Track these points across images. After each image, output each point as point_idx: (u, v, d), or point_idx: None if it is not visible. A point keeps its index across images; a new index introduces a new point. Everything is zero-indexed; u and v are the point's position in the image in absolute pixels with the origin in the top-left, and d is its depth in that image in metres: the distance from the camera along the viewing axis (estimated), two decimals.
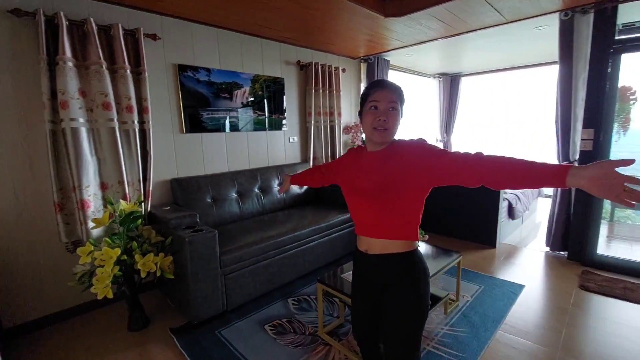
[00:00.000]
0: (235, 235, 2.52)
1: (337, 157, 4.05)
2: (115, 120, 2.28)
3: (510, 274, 2.81)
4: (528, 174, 0.84)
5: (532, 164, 0.84)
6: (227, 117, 3.09)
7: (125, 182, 2.34)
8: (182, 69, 2.74)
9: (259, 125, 3.37)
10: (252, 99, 3.26)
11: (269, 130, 3.48)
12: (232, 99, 3.11)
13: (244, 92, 3.20)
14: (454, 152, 0.99)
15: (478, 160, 0.93)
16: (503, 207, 3.45)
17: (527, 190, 4.23)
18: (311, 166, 3.83)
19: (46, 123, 2.05)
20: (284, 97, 3.57)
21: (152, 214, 2.48)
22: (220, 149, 3.08)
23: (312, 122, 3.79)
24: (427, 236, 2.09)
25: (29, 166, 2.10)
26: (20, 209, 2.09)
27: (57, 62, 2.05)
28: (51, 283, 2.21)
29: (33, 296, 2.16)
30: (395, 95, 1.12)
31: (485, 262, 3.07)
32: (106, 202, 2.14)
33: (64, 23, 2.05)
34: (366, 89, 1.16)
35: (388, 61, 4.47)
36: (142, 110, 2.45)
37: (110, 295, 1.89)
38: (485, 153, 0.95)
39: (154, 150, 2.61)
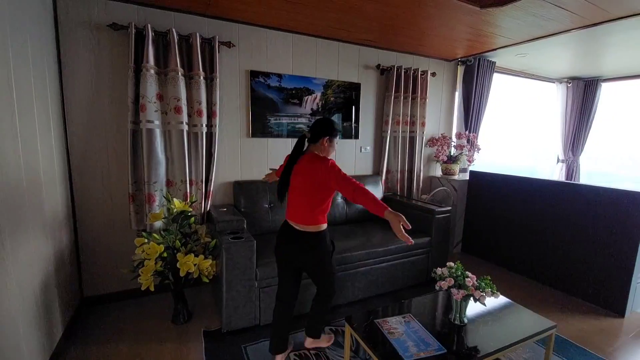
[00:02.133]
0: None
1: (415, 171, 3.60)
2: (185, 123, 2.43)
3: None
4: (372, 207, 1.53)
5: (375, 200, 1.53)
6: (295, 123, 3.02)
7: (188, 181, 2.49)
8: (254, 74, 2.78)
9: None
10: (322, 105, 3.12)
11: (340, 138, 3.28)
12: (301, 104, 3.03)
13: (315, 98, 3.09)
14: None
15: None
16: None
17: None
18: (383, 180, 3.48)
19: (128, 123, 2.32)
20: (360, 103, 3.33)
21: (209, 213, 2.58)
22: (285, 154, 3.03)
23: (389, 131, 3.44)
24: (498, 293, 1.56)
25: (115, 160, 2.41)
26: (106, 195, 2.41)
27: (142, 69, 2.29)
28: (123, 264, 2.49)
29: (108, 273, 2.47)
30: None
31: (602, 336, 2.21)
32: (165, 198, 2.29)
33: (150, 34, 2.27)
34: (335, 130, 1.77)
35: (493, 63, 3.76)
36: (211, 114, 2.57)
37: (152, 288, 2.00)
38: None
39: (220, 153, 2.73)
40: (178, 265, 1.99)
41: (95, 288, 2.46)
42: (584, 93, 4.64)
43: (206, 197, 2.62)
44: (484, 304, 1.55)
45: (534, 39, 2.97)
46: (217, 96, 2.56)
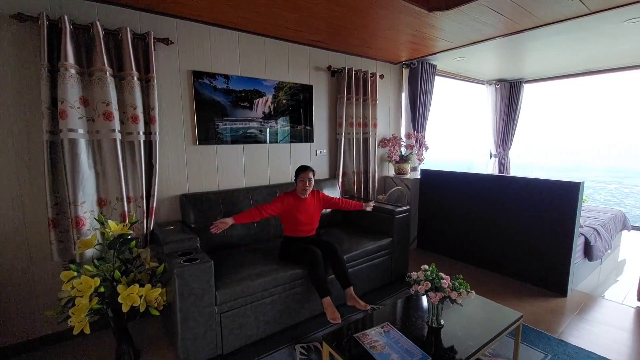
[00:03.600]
0: (241, 263, 2.20)
1: (370, 172, 3.61)
2: (117, 131, 2.10)
3: (588, 338, 2.14)
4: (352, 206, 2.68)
5: (352, 203, 2.69)
6: (246, 128, 2.82)
7: (125, 198, 2.15)
8: (197, 75, 2.52)
9: (282, 137, 3.06)
10: (274, 107, 2.97)
11: (294, 142, 3.15)
12: (252, 108, 2.84)
13: (266, 101, 2.92)
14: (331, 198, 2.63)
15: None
16: (578, 244, 2.74)
17: (609, 223, 3.39)
18: (340, 182, 3.43)
19: (44, 133, 1.91)
20: (312, 106, 3.23)
21: (154, 233, 2.26)
22: (237, 162, 2.82)
23: (343, 133, 3.40)
24: (473, 292, 1.57)
25: (27, 179, 1.98)
26: (17, 224, 1.97)
27: (59, 68, 1.91)
28: (45, 304, 2.06)
29: (29, 316, 2.02)
30: (311, 173, 2.42)
31: (552, 317, 2.40)
32: (98, 221, 1.94)
33: (68, 27, 1.91)
34: (296, 171, 2.44)
35: (434, 66, 3.95)
36: (149, 120, 2.25)
37: (88, 330, 1.66)
38: None
39: (163, 163, 2.42)
40: (119, 299, 1.67)
41: (13, 335, 1.99)
42: (509, 93, 5.14)
43: (148, 215, 2.29)
44: (461, 305, 1.54)
45: (471, 43, 3.16)
46: (156, 100, 2.25)
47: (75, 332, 1.63)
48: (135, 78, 2.16)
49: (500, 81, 5.07)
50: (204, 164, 2.65)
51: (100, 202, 2.13)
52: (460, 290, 1.53)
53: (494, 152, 5.43)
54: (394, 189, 3.65)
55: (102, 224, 1.87)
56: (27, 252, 2.00)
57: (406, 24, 2.65)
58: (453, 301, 1.52)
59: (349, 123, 3.44)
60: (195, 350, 1.84)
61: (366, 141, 3.62)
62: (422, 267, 1.63)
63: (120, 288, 1.70)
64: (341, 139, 3.40)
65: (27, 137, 1.96)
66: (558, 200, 2.66)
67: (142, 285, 1.77)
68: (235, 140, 2.77)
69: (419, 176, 3.80)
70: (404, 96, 4.06)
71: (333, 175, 3.50)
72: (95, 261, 1.78)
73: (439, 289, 1.52)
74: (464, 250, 3.40)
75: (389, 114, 3.98)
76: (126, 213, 2.16)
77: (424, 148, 3.93)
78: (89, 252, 2.01)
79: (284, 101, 3.03)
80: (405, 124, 4.13)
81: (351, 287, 2.30)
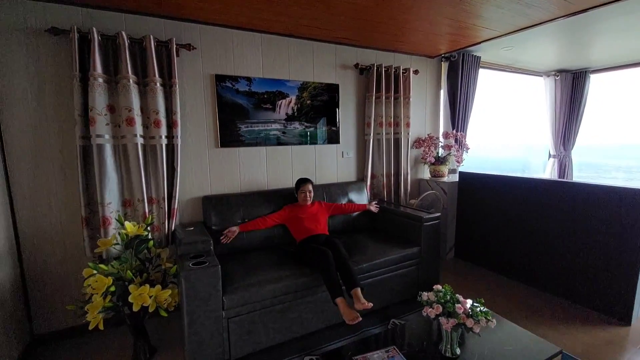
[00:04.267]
0: (254, 268, 2.18)
1: (402, 174, 3.40)
2: (139, 135, 2.19)
3: None
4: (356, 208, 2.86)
5: (355, 205, 2.88)
6: (268, 130, 2.80)
7: (145, 200, 2.24)
8: (219, 79, 2.55)
9: (306, 139, 2.99)
10: (298, 108, 2.91)
11: (319, 144, 3.07)
12: (275, 109, 2.80)
13: (290, 102, 2.87)
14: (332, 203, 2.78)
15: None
16: None
17: None
18: (368, 185, 3.27)
19: (77, 139, 2.07)
20: (339, 105, 3.11)
21: (175, 233, 2.34)
22: (260, 164, 2.81)
23: (372, 134, 3.23)
24: (494, 321, 1.35)
25: (64, 180, 2.15)
26: (54, 222, 2.15)
27: (89, 78, 2.04)
28: (77, 297, 2.23)
29: (62, 307, 2.21)
30: (310, 185, 2.63)
31: (609, 349, 2.01)
32: (118, 221, 2.04)
33: (96, 38, 2.03)
34: (296, 184, 2.66)
35: (478, 58, 3.58)
36: (171, 124, 2.33)
37: (102, 327, 1.74)
38: None
39: (186, 166, 2.49)
40: (130, 299, 1.74)
41: (48, 325, 2.19)
42: (572, 85, 4.50)
43: (170, 216, 2.37)
44: (478, 334, 1.33)
45: (519, 30, 2.79)
46: (178, 104, 2.32)
47: (90, 328, 1.73)
48: (159, 84, 2.24)
49: (560, 71, 4.45)
50: (226, 167, 2.68)
51: (125, 203, 2.25)
52: (479, 319, 1.32)
53: (552, 152, 4.80)
54: (427, 192, 3.38)
55: (121, 224, 1.96)
56: (62, 247, 2.18)
57: (438, 12, 2.41)
58: (469, 330, 1.32)
59: (379, 123, 3.26)
60: (202, 354, 1.84)
61: (397, 142, 3.40)
62: (434, 287, 1.44)
63: (131, 288, 1.76)
64: (370, 140, 3.23)
65: (63, 142, 2.13)
66: (625, 211, 2.23)
67: (153, 286, 1.82)
68: (257, 143, 2.77)
69: (457, 179, 3.48)
70: (443, 92, 3.75)
71: (361, 178, 3.34)
72: (114, 260, 1.87)
73: (452, 315, 1.33)
74: (508, 263, 3.03)
75: (424, 112, 3.70)
76: (147, 213, 2.25)
77: (465, 149, 3.58)
78: (115, 250, 2.14)
79: (308, 102, 2.95)
80: (443, 123, 3.82)
81: (358, 289, 2.03)
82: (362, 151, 3.32)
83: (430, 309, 1.36)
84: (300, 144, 2.96)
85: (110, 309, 1.77)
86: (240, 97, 2.65)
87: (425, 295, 1.42)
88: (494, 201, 3.12)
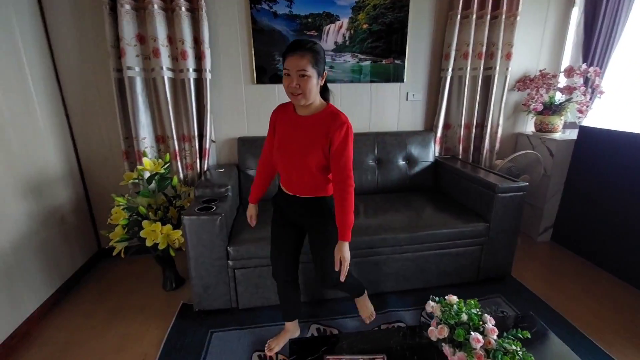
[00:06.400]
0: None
1: (489, 125, 2.65)
2: (165, 68, 2.07)
3: None
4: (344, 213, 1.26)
5: (347, 215, 1.25)
6: None
7: (175, 137, 2.20)
8: (255, 0, 2.18)
9: (359, 75, 2.45)
10: (351, 36, 2.35)
11: (376, 81, 2.49)
12: (321, 37, 2.32)
13: (340, 27, 2.33)
14: (345, 163, 1.23)
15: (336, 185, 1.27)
16: None
17: None
18: (438, 137, 2.61)
19: (112, 72, 2.07)
20: (407, 30, 2.41)
21: (205, 173, 2.29)
22: None
23: (451, 69, 2.46)
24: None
25: (107, 115, 2.24)
26: (105, 150, 2.32)
27: (116, 4, 1.94)
28: None
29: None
30: (304, 61, 1.13)
31: None
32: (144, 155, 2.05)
33: None
34: (283, 52, 1.17)
35: None
36: (199, 56, 2.13)
37: (122, 255, 1.86)
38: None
39: (220, 104, 2.34)
40: (142, 234, 1.77)
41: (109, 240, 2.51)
42: None
43: (202, 156, 2.31)
44: None
45: None
46: (205, 32, 2.08)
47: (114, 254, 1.86)
48: (184, 8, 2.02)
49: None
50: (264, 106, 2.42)
51: (158, 139, 2.26)
52: None
53: None
54: (523, 152, 2.50)
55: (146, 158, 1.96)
56: (115, 175, 2.36)
57: None
58: None
59: (463, 54, 2.44)
60: (208, 298, 1.82)
61: (488, 80, 2.53)
62: (446, 297, 0.97)
63: (145, 223, 1.78)
64: (446, 77, 2.47)
65: (103, 75, 2.17)
66: None
67: (164, 224, 1.82)
68: None
69: (575, 137, 2.48)
70: (577, 10, 2.55)
71: (430, 127, 2.67)
72: (133, 194, 1.92)
73: (461, 347, 0.87)
74: (621, 259, 2.11)
75: (540, 39, 2.61)
76: (176, 152, 2.22)
77: (597, 93, 2.46)
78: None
79: (364, 26, 2.35)
80: (572, 55, 2.67)
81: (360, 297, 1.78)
82: (435, 93, 2.60)
83: (431, 329, 0.93)
84: (351, 81, 2.46)
85: (128, 240, 1.85)
86: (278, 21, 2.24)
87: (430, 306, 0.97)
88: (630, 174, 2.11)
